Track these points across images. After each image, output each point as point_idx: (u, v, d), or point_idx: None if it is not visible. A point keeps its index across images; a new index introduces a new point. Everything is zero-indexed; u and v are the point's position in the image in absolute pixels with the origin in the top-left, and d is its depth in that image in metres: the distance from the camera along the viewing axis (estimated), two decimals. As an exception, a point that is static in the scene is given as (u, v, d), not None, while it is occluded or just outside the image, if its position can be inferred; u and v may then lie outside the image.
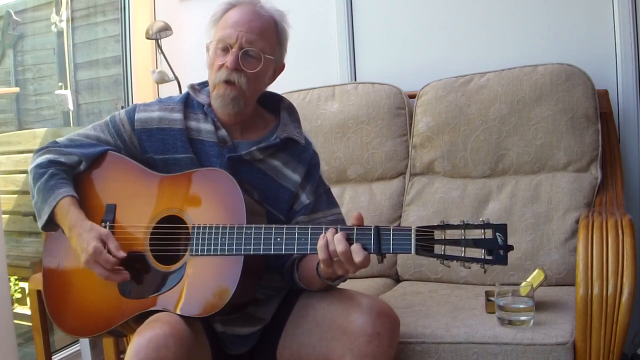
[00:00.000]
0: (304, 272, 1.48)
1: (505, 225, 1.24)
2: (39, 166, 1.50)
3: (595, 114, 2.03)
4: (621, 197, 1.97)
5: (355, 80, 2.57)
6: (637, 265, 1.49)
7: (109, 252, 1.40)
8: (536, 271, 1.68)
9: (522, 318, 1.54)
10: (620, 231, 1.55)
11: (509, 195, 2.06)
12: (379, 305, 1.40)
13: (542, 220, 1.97)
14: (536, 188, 2.03)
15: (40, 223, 1.49)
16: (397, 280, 2.15)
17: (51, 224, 1.48)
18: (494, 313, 1.58)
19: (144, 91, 2.93)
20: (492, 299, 1.62)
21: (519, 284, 1.59)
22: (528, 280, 1.63)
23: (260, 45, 1.49)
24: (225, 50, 1.50)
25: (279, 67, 1.60)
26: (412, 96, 2.29)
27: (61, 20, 3.30)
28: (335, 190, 1.68)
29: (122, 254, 1.40)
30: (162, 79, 2.71)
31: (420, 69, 2.43)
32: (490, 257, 1.23)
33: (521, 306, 1.55)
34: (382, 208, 2.22)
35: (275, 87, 1.68)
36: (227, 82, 1.49)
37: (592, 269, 1.50)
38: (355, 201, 2.26)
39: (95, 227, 1.43)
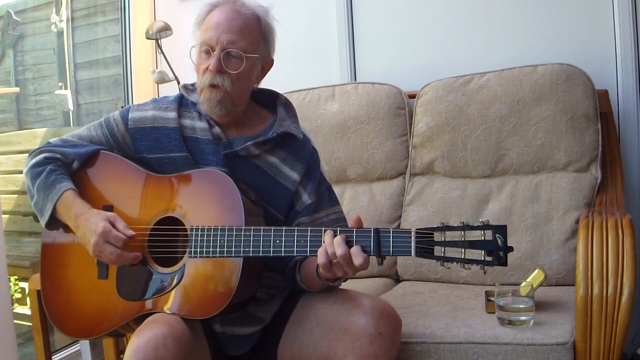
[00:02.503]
0: (305, 274, 1.48)
1: (505, 226, 1.24)
2: (36, 165, 1.50)
3: (595, 114, 2.03)
4: (621, 197, 1.97)
5: (355, 80, 2.56)
6: (637, 265, 1.49)
7: (118, 232, 1.39)
8: (536, 271, 1.68)
9: (522, 318, 1.54)
10: (620, 231, 1.55)
11: (509, 195, 2.06)
12: (382, 306, 1.40)
13: (542, 220, 1.97)
14: (536, 188, 2.03)
15: (43, 221, 1.48)
16: (397, 280, 2.15)
17: (54, 221, 1.48)
18: (494, 313, 1.58)
19: (144, 91, 2.93)
20: (492, 299, 1.62)
21: (519, 284, 1.59)
22: (528, 280, 1.63)
23: (242, 45, 1.48)
24: (208, 53, 1.49)
25: (267, 63, 1.58)
26: (412, 96, 2.29)
27: (61, 20, 3.30)
28: (335, 191, 1.68)
29: (131, 232, 1.40)
30: (162, 79, 2.71)
31: (420, 69, 2.43)
32: (490, 259, 1.23)
33: (521, 306, 1.55)
34: (382, 208, 2.22)
35: (275, 88, 1.68)
36: (212, 85, 1.48)
37: (592, 269, 1.50)
38: (355, 201, 2.26)
39: (101, 212, 1.43)
